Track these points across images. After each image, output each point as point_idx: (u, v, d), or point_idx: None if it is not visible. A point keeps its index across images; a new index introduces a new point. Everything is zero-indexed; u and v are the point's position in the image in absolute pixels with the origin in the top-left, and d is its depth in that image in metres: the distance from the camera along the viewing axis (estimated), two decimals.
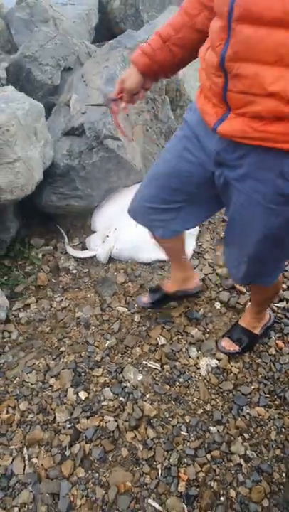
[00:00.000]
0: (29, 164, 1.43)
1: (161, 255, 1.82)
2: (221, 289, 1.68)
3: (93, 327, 1.57)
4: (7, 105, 1.37)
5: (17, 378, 1.38)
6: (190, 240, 1.88)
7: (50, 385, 1.36)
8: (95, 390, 1.33)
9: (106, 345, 1.48)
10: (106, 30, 3.34)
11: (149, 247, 1.83)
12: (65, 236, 1.97)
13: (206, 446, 1.17)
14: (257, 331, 1.40)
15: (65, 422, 1.24)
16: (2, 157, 1.31)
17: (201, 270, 1.76)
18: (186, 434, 1.21)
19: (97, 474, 1.12)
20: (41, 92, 2.08)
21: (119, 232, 1.86)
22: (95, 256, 1.88)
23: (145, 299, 1.55)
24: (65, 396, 1.32)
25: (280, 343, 1.45)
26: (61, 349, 1.48)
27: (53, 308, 1.68)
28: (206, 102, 0.82)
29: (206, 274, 1.73)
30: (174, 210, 1.07)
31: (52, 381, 1.37)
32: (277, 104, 0.66)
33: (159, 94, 1.96)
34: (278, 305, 1.60)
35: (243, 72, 0.67)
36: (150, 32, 2.00)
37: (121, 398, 1.30)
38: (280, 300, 1.62)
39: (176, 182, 1.00)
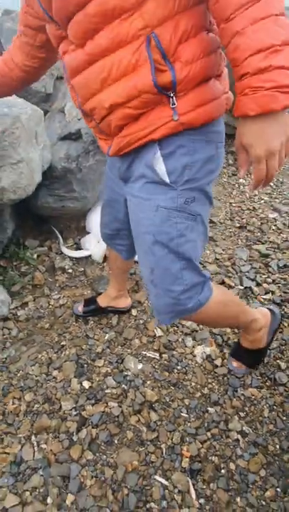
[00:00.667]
0: (31, 166, 1.50)
1: None
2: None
3: (92, 322, 1.63)
4: (10, 109, 1.44)
5: (21, 371, 1.42)
6: None
7: (54, 377, 1.40)
8: (97, 379, 1.39)
9: (106, 338, 1.55)
10: None
11: None
12: (60, 236, 2.02)
13: (205, 425, 1.25)
14: (262, 344, 1.27)
15: (71, 409, 1.29)
16: (7, 158, 1.38)
17: None
18: (186, 415, 1.29)
19: (104, 456, 1.17)
20: (34, 100, 2.15)
21: None
22: (90, 255, 1.95)
23: (80, 308, 1.62)
24: (69, 386, 1.36)
25: None
26: (62, 343, 1.53)
27: (51, 306, 1.73)
28: (100, 140, 0.94)
29: None
30: (125, 235, 1.16)
31: (55, 373, 1.41)
32: (118, 110, 0.78)
33: None
34: (264, 297, 1.73)
35: (90, 106, 0.82)
36: None
37: (123, 386, 1.37)
38: (266, 293, 1.75)
39: (115, 209, 1.11)
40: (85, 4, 0.68)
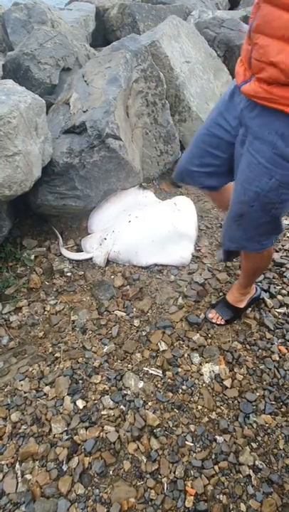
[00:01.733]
0: (29, 159, 1.37)
1: (160, 259, 1.80)
2: (221, 293, 1.65)
3: (90, 332, 1.49)
4: (8, 97, 1.31)
5: (8, 386, 1.28)
6: (188, 243, 1.85)
7: (45, 394, 1.26)
8: (93, 398, 1.25)
9: (104, 350, 1.41)
10: (102, 37, 3.36)
11: (147, 251, 1.79)
12: (60, 237, 1.89)
13: (213, 456, 1.11)
14: (242, 305, 1.48)
15: (62, 433, 1.15)
16: (1, 150, 1.25)
17: (201, 275, 1.72)
18: (191, 444, 1.14)
19: (97, 490, 1.03)
20: (38, 91, 2.02)
21: (117, 234, 1.81)
22: (91, 258, 1.82)
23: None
24: (62, 405, 1.23)
25: (283, 348, 1.43)
26: (56, 355, 1.39)
27: (46, 312, 1.59)
28: (241, 65, 0.95)
29: (205, 279, 1.70)
30: (207, 173, 1.20)
31: (47, 389, 1.28)
32: (276, 72, 0.80)
33: (159, 98, 1.95)
34: (279, 310, 1.58)
35: (259, 43, 0.82)
36: (152, 37, 2.01)
37: (122, 407, 1.22)
38: (281, 305, 1.60)
39: (208, 145, 1.13)
40: None
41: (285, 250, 1.87)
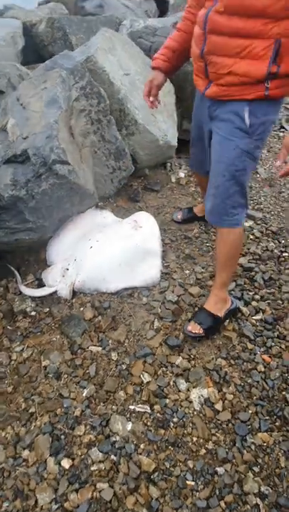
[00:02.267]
0: None
1: (129, 282, 1.71)
2: (196, 308, 1.61)
3: (65, 375, 1.37)
4: None
5: None
6: (155, 260, 1.79)
7: (25, 460, 1.12)
8: (80, 453, 1.13)
9: (84, 394, 1.30)
10: (34, 52, 3.21)
11: (114, 276, 1.70)
12: (17, 274, 1.74)
13: (217, 492, 1.05)
14: (221, 314, 1.49)
15: (50, 502, 1.02)
16: None
17: (173, 292, 1.67)
18: (192, 483, 1.07)
19: None
20: None
21: (79, 262, 1.70)
22: (55, 292, 1.68)
23: (179, 215, 2.03)
24: (45, 469, 1.10)
25: (266, 357, 1.41)
26: (31, 410, 1.25)
27: (13, 362, 1.44)
28: (197, 77, 1.29)
29: (178, 296, 1.65)
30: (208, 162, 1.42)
31: (25, 454, 1.14)
32: (232, 77, 1.13)
33: (103, 115, 1.88)
34: (256, 317, 1.57)
35: (213, 61, 1.15)
36: (86, 52, 1.93)
37: (112, 457, 1.12)
38: (256, 312, 1.59)
39: (199, 143, 1.48)
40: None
41: (251, 253, 1.88)
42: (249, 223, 2.08)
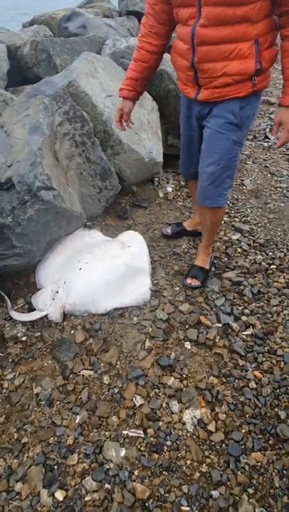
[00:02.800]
0: None
1: (119, 302, 1.72)
2: (187, 326, 1.61)
3: (58, 402, 1.36)
4: None
5: None
6: (144, 278, 1.80)
7: (18, 493, 1.11)
8: (73, 483, 1.12)
9: (76, 421, 1.29)
10: (19, 75, 3.26)
11: (104, 296, 1.70)
12: (7, 299, 1.73)
13: None
14: (208, 267, 1.83)
15: None
16: None
17: (163, 310, 1.67)
18: (187, 508, 1.06)
19: None
20: None
21: (69, 284, 1.70)
22: (46, 316, 1.68)
23: (169, 229, 2.08)
24: (39, 502, 1.08)
25: (257, 373, 1.41)
26: (23, 441, 1.24)
27: (4, 390, 1.43)
28: (185, 86, 1.43)
29: (168, 314, 1.65)
30: (196, 162, 1.61)
31: (18, 486, 1.12)
32: (226, 78, 1.28)
33: (88, 138, 1.91)
34: (246, 333, 1.58)
35: (204, 67, 1.30)
36: (68, 77, 1.97)
37: (106, 485, 1.11)
38: (247, 327, 1.60)
39: (190, 145, 1.64)
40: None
41: (239, 267, 1.90)
42: (236, 236, 2.10)
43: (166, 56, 1.72)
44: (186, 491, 1.10)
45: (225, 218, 2.26)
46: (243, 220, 2.25)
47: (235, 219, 2.25)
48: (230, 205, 2.40)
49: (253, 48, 1.22)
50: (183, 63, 1.37)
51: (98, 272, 1.71)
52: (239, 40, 1.21)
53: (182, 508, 1.07)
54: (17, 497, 1.11)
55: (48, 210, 1.56)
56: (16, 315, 1.68)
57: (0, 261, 1.61)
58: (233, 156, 1.46)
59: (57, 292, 1.70)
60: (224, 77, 1.28)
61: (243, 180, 2.63)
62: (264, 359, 1.46)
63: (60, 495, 1.09)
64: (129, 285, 1.75)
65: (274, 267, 1.89)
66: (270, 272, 1.87)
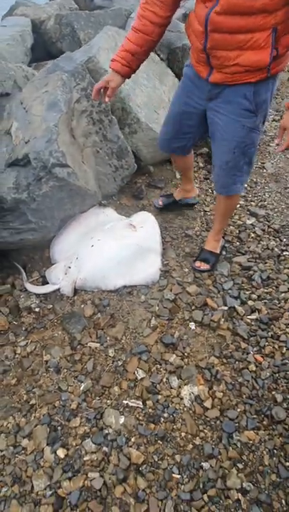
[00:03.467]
0: None
1: (128, 280, 1.76)
2: (193, 307, 1.64)
3: (65, 370, 1.44)
4: None
5: None
6: (155, 258, 1.82)
7: (24, 448, 1.21)
8: (74, 444, 1.21)
9: (81, 389, 1.37)
10: (43, 49, 3.25)
11: (114, 274, 1.75)
12: (23, 271, 1.82)
13: (201, 486, 1.10)
14: (218, 251, 1.82)
15: (45, 489, 1.11)
16: None
17: (171, 290, 1.70)
18: (178, 476, 1.13)
19: None
20: None
21: (81, 261, 1.76)
22: (58, 289, 1.76)
23: (160, 201, 2.08)
24: (42, 458, 1.18)
25: (258, 357, 1.43)
26: (31, 402, 1.34)
27: (17, 355, 1.53)
28: (198, 64, 1.36)
29: (176, 294, 1.68)
30: (186, 138, 1.62)
31: (25, 442, 1.23)
32: (238, 68, 1.23)
33: (105, 115, 1.90)
34: (251, 317, 1.59)
35: (217, 55, 1.24)
36: (88, 53, 1.95)
37: (104, 448, 1.19)
38: (252, 311, 1.61)
39: (185, 119, 1.54)
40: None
41: (251, 252, 1.88)
42: (251, 221, 2.07)
43: None
44: (178, 460, 1.16)
45: (241, 202, 2.22)
46: (259, 204, 2.20)
47: (252, 203, 2.21)
48: (248, 188, 2.35)
49: (270, 37, 1.13)
50: (196, 44, 1.29)
51: (110, 250, 1.75)
52: (256, 30, 1.13)
53: (173, 475, 1.13)
54: (23, 452, 1.21)
55: (62, 187, 1.60)
56: (30, 287, 1.77)
57: (16, 235, 1.68)
58: (249, 144, 1.40)
59: (69, 267, 1.76)
60: (236, 67, 1.22)
61: (263, 163, 2.55)
62: (266, 343, 1.47)
63: (61, 453, 1.19)
64: (140, 264, 1.78)
65: (287, 253, 1.86)
66: (282, 258, 1.84)
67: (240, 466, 1.14)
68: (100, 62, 1.90)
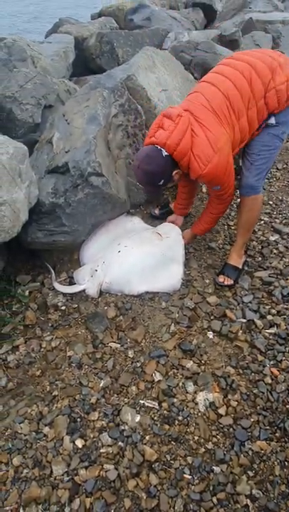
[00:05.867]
0: (15, 207, 1.42)
1: (151, 286, 1.84)
2: (212, 317, 1.69)
3: (86, 366, 1.53)
4: None
5: (9, 430, 1.31)
6: (178, 268, 1.89)
7: (45, 435, 1.30)
8: (92, 436, 1.28)
9: (100, 385, 1.44)
10: (83, 65, 3.45)
11: (138, 280, 1.83)
12: (52, 271, 1.94)
13: (211, 488, 1.14)
14: (241, 266, 1.88)
15: (63, 474, 1.18)
16: None
17: (191, 299, 1.76)
18: (189, 476, 1.17)
19: None
20: (22, 130, 2.09)
21: (107, 265, 1.85)
22: (84, 290, 1.86)
23: (156, 210, 2.22)
24: (61, 446, 1.26)
25: (274, 370, 1.46)
26: (54, 393, 1.43)
27: (42, 349, 1.63)
28: None
29: (196, 303, 1.74)
30: None
31: (46, 430, 1.31)
32: None
33: (139, 129, 2.02)
34: (269, 331, 1.62)
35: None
36: (127, 71, 2.08)
37: (120, 443, 1.26)
38: (271, 326, 1.64)
39: None
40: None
41: (273, 268, 1.91)
42: (275, 237, 2.10)
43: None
44: (190, 461, 1.21)
45: (265, 218, 2.26)
46: (284, 222, 2.23)
47: (276, 220, 2.24)
48: (274, 205, 2.38)
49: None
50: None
51: (135, 256, 1.84)
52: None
53: (184, 475, 1.18)
54: (44, 438, 1.29)
55: (96, 194, 1.71)
56: (58, 286, 1.88)
57: (49, 236, 1.80)
58: (273, 148, 1.63)
59: (96, 270, 1.86)
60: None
61: None
62: (283, 358, 1.49)
63: (79, 443, 1.26)
64: (163, 272, 1.85)
65: None
66: None
67: (250, 473, 1.17)
68: (138, 80, 2.02)
